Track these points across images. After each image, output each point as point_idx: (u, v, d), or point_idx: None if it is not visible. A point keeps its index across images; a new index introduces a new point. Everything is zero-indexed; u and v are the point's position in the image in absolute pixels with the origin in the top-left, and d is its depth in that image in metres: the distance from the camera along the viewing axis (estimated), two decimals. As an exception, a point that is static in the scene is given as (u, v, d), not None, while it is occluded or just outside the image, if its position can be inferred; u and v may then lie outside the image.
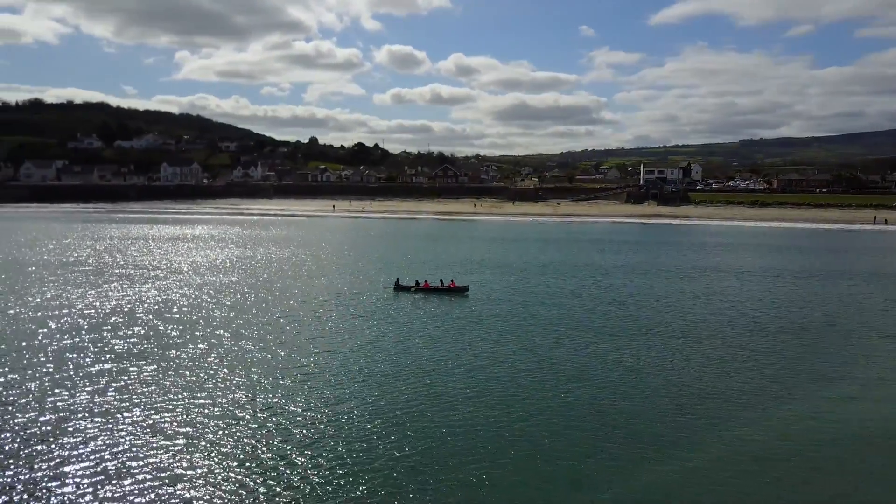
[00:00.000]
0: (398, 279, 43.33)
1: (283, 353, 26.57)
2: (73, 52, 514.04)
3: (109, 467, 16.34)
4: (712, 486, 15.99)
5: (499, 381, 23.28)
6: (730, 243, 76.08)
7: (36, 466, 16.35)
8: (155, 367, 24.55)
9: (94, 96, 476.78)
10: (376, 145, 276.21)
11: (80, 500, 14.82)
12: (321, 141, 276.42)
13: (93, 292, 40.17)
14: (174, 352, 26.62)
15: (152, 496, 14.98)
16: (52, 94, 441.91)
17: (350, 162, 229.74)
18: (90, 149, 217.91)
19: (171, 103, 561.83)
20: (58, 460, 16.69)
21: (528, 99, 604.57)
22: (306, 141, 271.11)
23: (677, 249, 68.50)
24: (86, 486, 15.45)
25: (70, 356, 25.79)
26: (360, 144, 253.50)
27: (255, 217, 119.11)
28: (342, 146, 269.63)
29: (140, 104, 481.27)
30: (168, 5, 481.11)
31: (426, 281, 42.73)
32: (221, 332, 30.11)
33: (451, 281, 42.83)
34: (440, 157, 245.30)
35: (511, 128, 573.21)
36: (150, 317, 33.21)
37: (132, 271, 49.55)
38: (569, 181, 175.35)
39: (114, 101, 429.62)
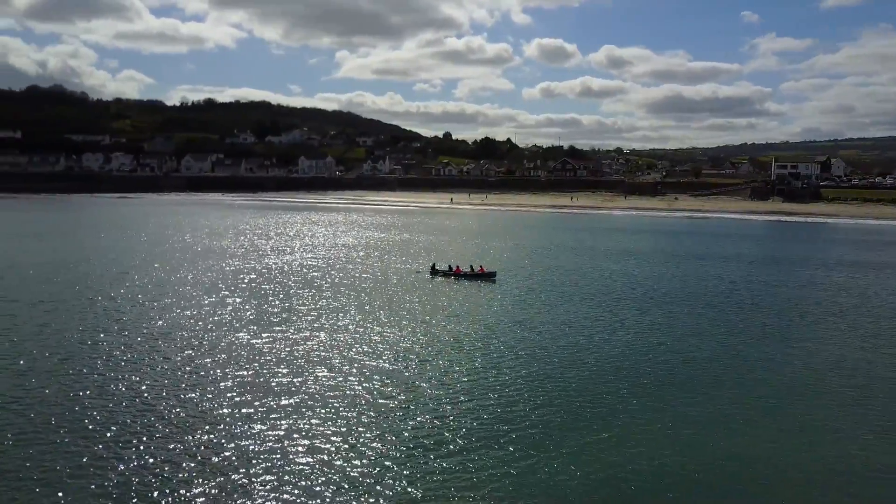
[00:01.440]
0: (434, 264, 46.40)
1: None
2: (247, 55, 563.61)
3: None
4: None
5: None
6: (834, 239, 71.17)
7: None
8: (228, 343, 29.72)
9: (265, 95, 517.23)
10: (508, 140, 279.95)
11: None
12: (462, 136, 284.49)
13: (191, 271, 47.27)
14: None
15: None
16: (229, 94, 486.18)
17: (477, 156, 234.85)
18: (244, 144, 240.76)
19: (331, 101, 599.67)
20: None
21: (683, 90, 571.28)
22: (453, 137, 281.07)
23: (758, 243, 65.42)
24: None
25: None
26: (486, 139, 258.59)
27: (371, 206, 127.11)
28: (475, 140, 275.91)
29: (303, 102, 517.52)
30: (330, 8, 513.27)
31: (458, 266, 45.49)
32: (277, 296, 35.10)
33: (481, 267, 45.26)
34: (570, 150, 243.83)
35: (664, 120, 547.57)
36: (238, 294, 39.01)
37: (241, 251, 56.82)
38: (694, 176, 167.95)
39: (274, 98, 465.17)
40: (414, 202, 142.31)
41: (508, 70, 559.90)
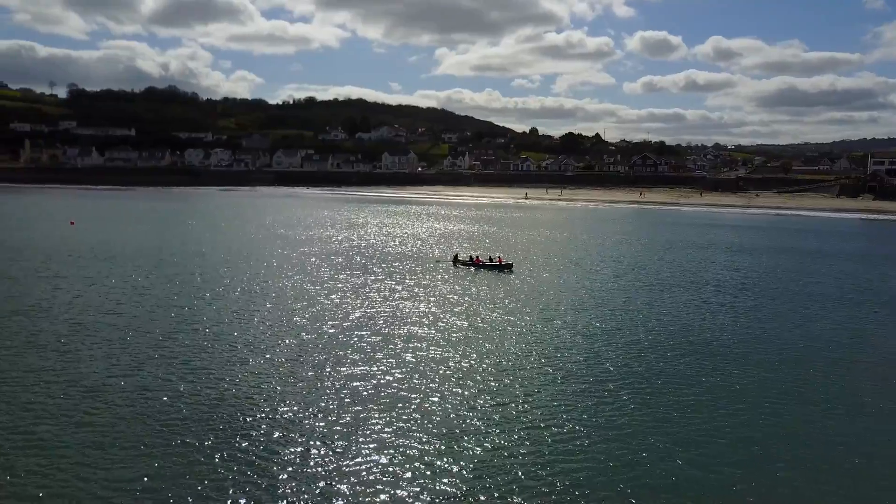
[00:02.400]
0: (457, 254, 48.83)
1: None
2: (350, 54, 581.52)
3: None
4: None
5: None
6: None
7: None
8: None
9: (365, 93, 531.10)
10: (596, 135, 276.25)
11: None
12: (557, 132, 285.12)
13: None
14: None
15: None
16: (332, 93, 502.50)
17: (560, 151, 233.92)
18: (335, 140, 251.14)
19: (430, 98, 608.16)
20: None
21: (797, 83, 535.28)
22: (550, 133, 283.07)
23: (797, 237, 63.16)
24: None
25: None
26: (569, 134, 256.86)
27: (444, 200, 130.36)
28: (563, 136, 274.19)
29: (401, 99, 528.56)
30: (430, 6, 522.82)
31: (478, 256, 47.68)
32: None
33: (500, 257, 47.24)
34: (660, 145, 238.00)
35: (776, 115, 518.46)
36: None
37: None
38: (783, 172, 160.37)
39: (373, 96, 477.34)
40: (487, 197, 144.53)
41: (609, 64, 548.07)
